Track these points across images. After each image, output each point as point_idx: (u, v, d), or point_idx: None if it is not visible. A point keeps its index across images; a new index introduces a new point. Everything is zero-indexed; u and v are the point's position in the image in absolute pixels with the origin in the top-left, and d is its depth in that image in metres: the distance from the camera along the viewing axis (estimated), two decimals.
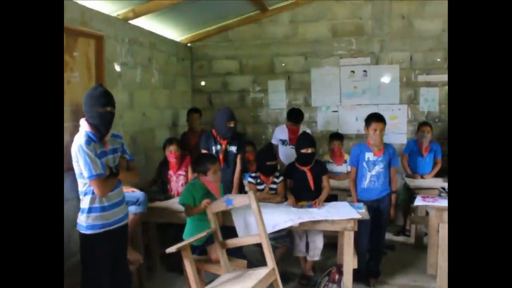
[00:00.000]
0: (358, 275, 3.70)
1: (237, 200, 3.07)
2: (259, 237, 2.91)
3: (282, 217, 3.40)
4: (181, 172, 4.32)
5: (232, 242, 3.18)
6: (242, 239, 3.25)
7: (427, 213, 4.32)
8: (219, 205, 3.14)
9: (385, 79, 5.86)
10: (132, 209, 3.41)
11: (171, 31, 5.59)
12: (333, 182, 4.53)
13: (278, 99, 6.13)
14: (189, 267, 2.87)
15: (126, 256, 3.04)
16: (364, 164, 3.88)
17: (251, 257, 3.94)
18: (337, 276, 3.53)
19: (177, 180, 4.31)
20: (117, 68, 4.22)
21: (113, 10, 4.14)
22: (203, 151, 4.09)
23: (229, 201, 3.08)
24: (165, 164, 4.38)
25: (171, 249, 2.84)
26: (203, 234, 3.09)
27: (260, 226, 2.89)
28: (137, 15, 4.36)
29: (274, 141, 5.33)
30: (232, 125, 4.04)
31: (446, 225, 3.72)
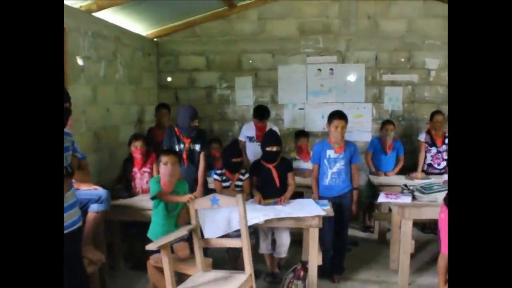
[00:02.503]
0: (322, 272, 3.74)
1: (224, 200, 2.99)
2: (241, 242, 2.89)
3: (248, 214, 3.38)
4: (146, 169, 4.24)
5: (214, 242, 3.13)
6: (225, 241, 3.18)
7: (390, 210, 4.41)
8: (204, 203, 3.06)
9: (351, 78, 5.94)
10: (94, 207, 3.32)
11: (137, 25, 5.48)
12: (299, 179, 4.56)
13: (245, 96, 6.12)
14: (167, 266, 2.81)
15: (82, 260, 2.91)
16: (325, 162, 3.92)
17: (213, 255, 3.92)
18: (302, 273, 3.55)
19: (142, 177, 4.23)
20: (80, 61, 4.10)
21: (75, 1, 4.01)
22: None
23: (215, 200, 2.99)
24: (129, 161, 4.30)
25: (151, 246, 2.78)
26: (185, 232, 3.00)
27: (243, 232, 2.87)
28: (100, 7, 4.24)
29: (241, 138, 5.32)
30: (196, 123, 4.00)
31: (408, 221, 3.81)
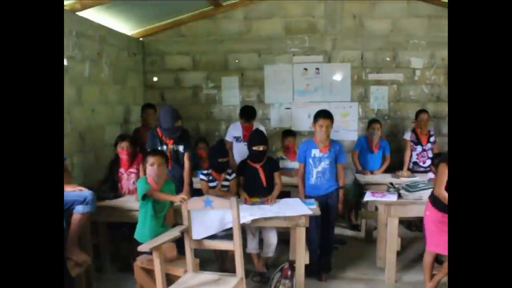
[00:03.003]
0: (310, 270, 3.75)
1: (217, 203, 2.96)
2: (233, 245, 2.88)
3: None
4: (132, 170, 4.21)
5: (207, 244, 3.10)
6: (217, 244, 3.15)
7: (376, 208, 4.44)
8: (197, 204, 3.03)
9: (337, 77, 5.96)
10: (80, 208, 3.28)
11: (122, 25, 5.44)
12: (286, 179, 4.57)
13: (231, 96, 6.11)
14: (158, 267, 2.80)
15: (65, 262, 2.88)
16: (310, 161, 3.94)
17: (200, 255, 3.90)
18: (289, 272, 3.56)
19: (128, 178, 4.20)
20: (64, 61, 4.05)
21: None
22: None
23: (209, 202, 2.96)
24: (116, 162, 4.26)
25: (144, 248, 2.76)
26: (177, 233, 2.98)
27: (236, 235, 2.85)
28: (85, 6, 4.20)
29: (228, 138, 5.31)
30: (180, 124, 3.97)
31: (394, 219, 3.85)
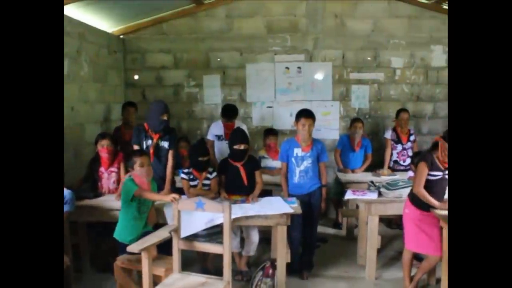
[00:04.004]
0: (291, 269, 3.76)
1: (209, 205, 2.93)
2: (222, 249, 2.86)
3: (216, 213, 3.36)
4: (113, 169, 4.16)
5: (197, 246, 3.08)
6: (206, 246, 3.12)
7: (357, 206, 4.48)
8: (188, 205, 3.00)
9: (319, 76, 5.99)
10: None
11: (102, 22, 5.36)
12: (268, 177, 4.58)
13: (213, 94, 6.08)
14: (146, 268, 2.78)
15: None
16: (293, 160, 3.95)
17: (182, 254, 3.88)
18: (271, 271, 3.56)
19: (109, 177, 4.15)
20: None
21: None
22: (135, 146, 3.97)
23: (200, 204, 2.92)
24: (96, 160, 4.20)
25: (134, 248, 2.73)
26: (167, 233, 2.94)
27: (226, 239, 2.83)
28: (64, 2, 4.13)
29: (210, 137, 5.29)
30: (165, 118, 3.95)
31: (374, 217, 3.89)
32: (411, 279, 3.61)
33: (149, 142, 3.97)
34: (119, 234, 3.34)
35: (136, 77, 6.12)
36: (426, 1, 5.69)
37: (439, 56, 5.89)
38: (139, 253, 2.85)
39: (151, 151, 3.91)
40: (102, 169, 4.15)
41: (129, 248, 2.78)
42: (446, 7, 5.56)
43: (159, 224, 3.39)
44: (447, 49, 5.85)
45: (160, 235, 2.97)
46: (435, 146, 3.33)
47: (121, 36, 6.00)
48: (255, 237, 3.85)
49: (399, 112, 5.36)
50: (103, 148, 4.08)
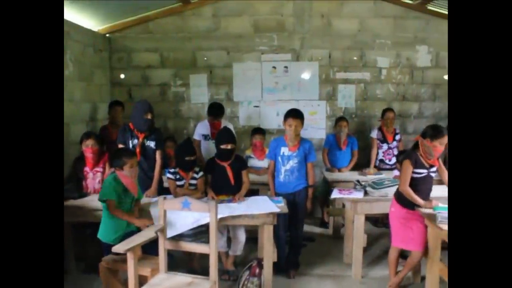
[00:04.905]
0: (278, 268, 3.77)
1: (196, 205, 2.90)
2: (209, 249, 2.85)
3: (202, 212, 3.34)
4: (98, 168, 4.13)
5: (183, 246, 3.06)
6: (193, 246, 3.10)
7: (343, 205, 4.50)
8: (174, 205, 2.97)
9: (305, 76, 6.00)
10: None
11: (88, 20, 5.30)
12: (255, 177, 4.58)
13: (200, 94, 6.06)
14: (132, 269, 2.76)
15: None
16: (279, 159, 3.96)
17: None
18: (257, 270, 3.56)
19: (94, 177, 4.12)
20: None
21: None
22: (120, 146, 3.94)
23: (187, 204, 2.90)
24: (81, 160, 4.16)
25: (119, 249, 2.71)
26: (152, 233, 2.93)
27: (212, 239, 2.82)
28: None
29: (196, 137, 5.27)
30: (149, 117, 3.94)
31: (361, 216, 3.91)
32: None
33: (135, 141, 3.96)
34: (102, 234, 3.32)
35: (122, 76, 6.07)
36: (411, 2, 5.75)
37: (424, 56, 5.96)
38: (125, 254, 2.82)
39: (137, 150, 3.89)
40: (87, 168, 4.11)
41: (115, 249, 2.76)
42: (430, 8, 5.63)
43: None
44: (431, 50, 5.93)
45: (146, 235, 2.95)
46: (416, 145, 3.37)
47: (107, 35, 5.94)
48: (241, 236, 3.85)
49: (385, 111, 5.41)
50: (88, 148, 4.05)
